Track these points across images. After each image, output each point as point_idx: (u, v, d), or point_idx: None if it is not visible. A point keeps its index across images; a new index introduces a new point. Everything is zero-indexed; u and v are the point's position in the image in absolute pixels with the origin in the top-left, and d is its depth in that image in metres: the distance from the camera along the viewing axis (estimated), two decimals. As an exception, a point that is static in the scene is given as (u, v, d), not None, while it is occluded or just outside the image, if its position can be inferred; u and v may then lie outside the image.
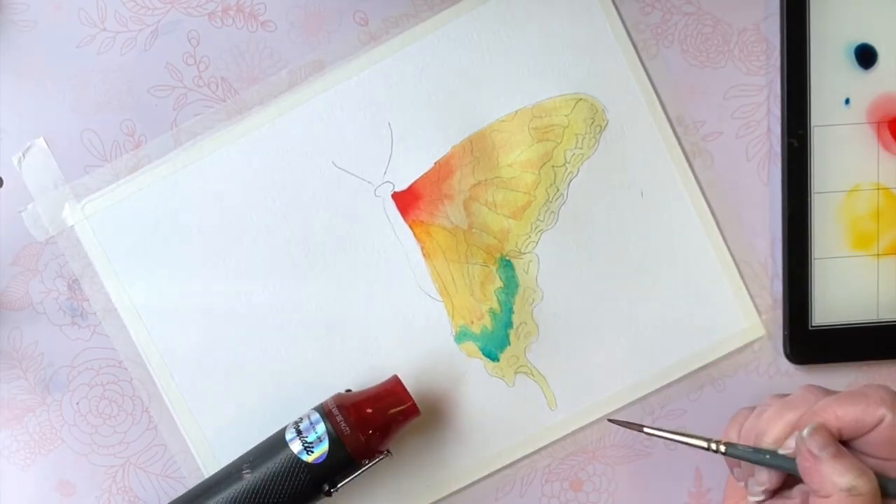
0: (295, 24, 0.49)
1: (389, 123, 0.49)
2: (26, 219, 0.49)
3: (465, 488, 0.49)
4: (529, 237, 0.49)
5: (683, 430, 0.43)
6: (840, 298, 0.49)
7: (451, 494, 0.49)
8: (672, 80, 0.49)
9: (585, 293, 0.49)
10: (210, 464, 0.49)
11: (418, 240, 0.49)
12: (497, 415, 0.49)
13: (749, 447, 0.42)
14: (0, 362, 0.48)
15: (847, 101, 0.48)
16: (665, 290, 0.49)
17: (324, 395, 0.47)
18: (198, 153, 0.49)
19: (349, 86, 0.49)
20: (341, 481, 0.45)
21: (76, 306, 0.49)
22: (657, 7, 0.49)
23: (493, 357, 0.49)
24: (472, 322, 0.49)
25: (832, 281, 0.49)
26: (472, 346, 0.49)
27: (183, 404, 0.49)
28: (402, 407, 0.46)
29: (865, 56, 0.48)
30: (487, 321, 0.49)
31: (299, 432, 0.45)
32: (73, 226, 0.49)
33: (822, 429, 0.39)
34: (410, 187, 0.49)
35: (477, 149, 0.49)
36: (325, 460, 0.44)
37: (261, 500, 0.44)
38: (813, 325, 0.48)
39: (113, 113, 0.49)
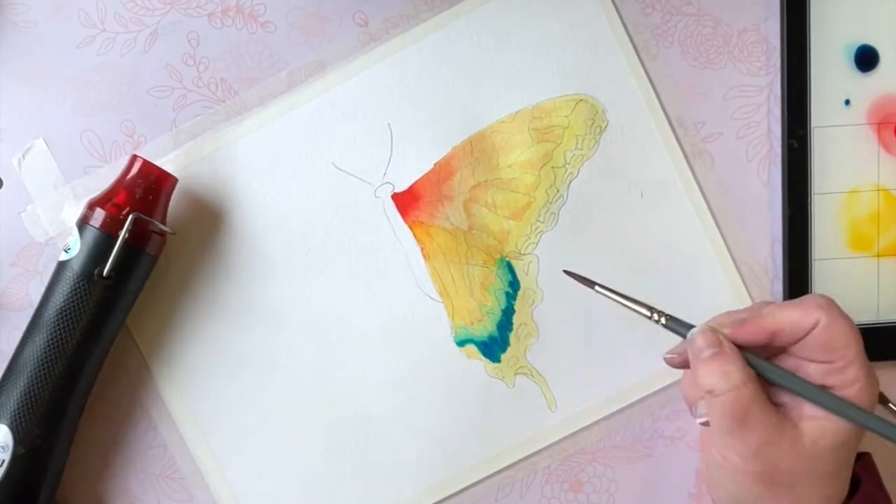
0: (295, 24, 0.49)
1: (389, 124, 0.49)
2: (26, 219, 0.49)
3: (465, 489, 0.49)
4: (529, 238, 0.49)
5: (632, 297, 0.44)
6: (840, 299, 0.48)
7: (451, 495, 0.49)
8: (672, 80, 0.49)
9: (585, 294, 0.49)
10: (210, 464, 0.49)
11: (418, 241, 0.49)
12: (497, 416, 0.49)
13: (687, 322, 0.42)
14: (0, 363, 0.48)
15: (847, 102, 0.48)
16: (665, 290, 0.49)
17: (323, 393, 0.47)
18: (197, 154, 0.49)
19: (349, 86, 0.49)
20: (107, 260, 0.44)
21: (76, 307, 0.49)
22: (657, 8, 0.49)
23: (493, 358, 0.49)
24: (472, 323, 0.49)
25: (832, 282, 0.48)
26: (472, 347, 0.49)
27: (183, 405, 0.49)
28: (146, 178, 0.46)
29: (866, 58, 0.48)
30: (487, 322, 0.49)
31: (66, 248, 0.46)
32: (72, 226, 0.49)
33: (707, 331, 0.41)
34: (410, 188, 0.49)
35: (477, 150, 0.49)
36: (81, 250, 0.45)
37: (55, 322, 0.45)
38: (813, 325, 0.48)
39: (113, 113, 0.49)
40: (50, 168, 0.49)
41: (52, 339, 0.45)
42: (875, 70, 0.48)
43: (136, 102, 0.49)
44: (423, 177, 0.49)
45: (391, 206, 0.49)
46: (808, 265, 0.48)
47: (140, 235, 0.45)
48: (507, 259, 0.49)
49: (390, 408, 0.49)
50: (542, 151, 0.49)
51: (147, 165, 0.46)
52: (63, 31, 0.49)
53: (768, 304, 0.43)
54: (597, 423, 0.49)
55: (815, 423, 0.40)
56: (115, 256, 0.44)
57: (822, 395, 0.40)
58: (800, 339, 0.40)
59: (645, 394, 0.49)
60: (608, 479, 0.49)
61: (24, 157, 0.49)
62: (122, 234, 0.44)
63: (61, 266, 0.45)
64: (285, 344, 0.49)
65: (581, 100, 0.49)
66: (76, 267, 0.45)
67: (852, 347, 0.40)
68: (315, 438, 0.49)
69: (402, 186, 0.49)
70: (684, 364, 0.43)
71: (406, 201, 0.49)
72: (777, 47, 0.49)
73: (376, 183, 0.49)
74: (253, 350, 0.49)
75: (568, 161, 0.49)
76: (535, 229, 0.49)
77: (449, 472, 0.49)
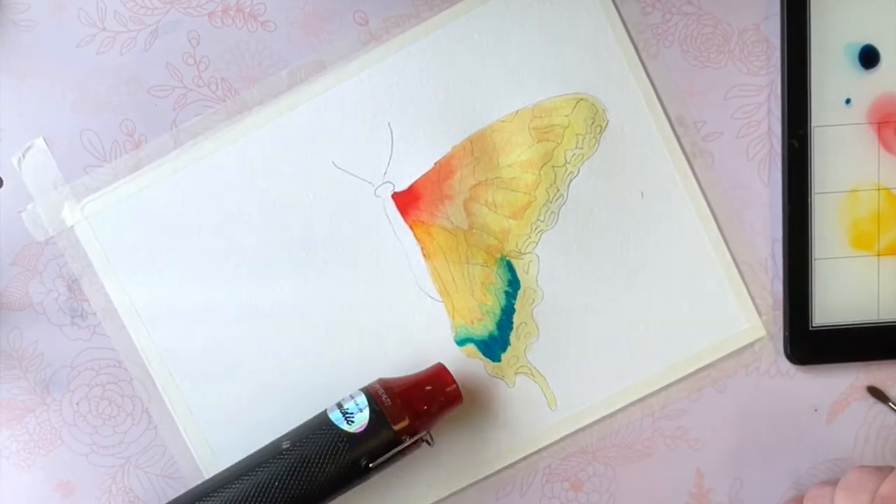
0: (295, 24, 0.49)
1: (389, 123, 0.49)
2: (26, 219, 0.49)
3: (465, 488, 0.49)
4: (530, 237, 0.49)
5: None
6: (841, 299, 0.49)
7: (451, 494, 0.49)
8: (672, 80, 0.49)
9: (585, 293, 0.49)
10: (209, 464, 0.49)
11: (418, 240, 0.49)
12: (497, 415, 0.49)
13: None
14: (0, 362, 0.48)
15: (848, 101, 0.48)
16: (665, 290, 0.49)
17: (323, 395, 0.47)
18: (198, 153, 0.49)
19: (349, 86, 0.49)
20: (380, 457, 0.44)
21: (76, 307, 0.49)
22: (658, 7, 0.49)
23: (493, 357, 0.49)
24: (473, 322, 0.49)
25: (833, 281, 0.48)
26: (472, 347, 0.49)
27: (183, 404, 0.49)
28: (445, 389, 0.46)
29: (868, 57, 0.48)
30: (487, 321, 0.49)
31: (339, 405, 0.45)
32: (72, 226, 0.49)
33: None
34: (411, 187, 0.49)
35: (477, 149, 0.49)
36: (365, 430, 0.44)
37: (299, 474, 0.44)
38: (814, 325, 0.48)
39: (113, 113, 0.49)
40: (50, 168, 0.49)
41: (284, 483, 0.44)
42: (875, 69, 0.48)
43: (136, 102, 0.49)
44: (423, 176, 0.49)
45: (391, 206, 0.49)
46: (808, 264, 0.48)
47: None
48: (508, 258, 0.49)
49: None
50: (543, 151, 0.49)
51: (455, 392, 0.46)
52: (63, 30, 0.49)
53: (869, 469, 0.43)
54: (597, 422, 0.49)
55: None
56: (386, 458, 0.44)
57: None
58: None
59: (645, 393, 0.49)
60: (608, 478, 0.49)
61: (24, 156, 0.49)
62: (407, 443, 0.45)
63: (338, 431, 0.44)
64: (286, 344, 0.49)
65: (581, 99, 0.49)
66: (353, 445, 0.44)
67: None
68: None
69: (402, 186, 0.49)
70: None
71: (406, 201, 0.49)
72: (777, 46, 0.49)
73: (376, 182, 0.49)
74: (253, 350, 0.49)
75: (568, 160, 0.49)
76: (536, 228, 0.49)
77: (449, 471, 0.49)
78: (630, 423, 0.49)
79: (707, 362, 0.49)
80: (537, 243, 0.49)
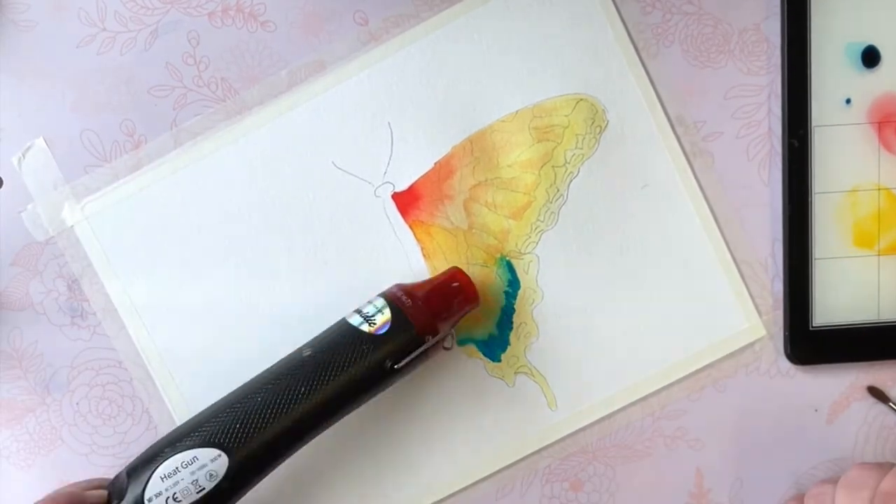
0: (295, 24, 0.49)
1: (389, 123, 0.49)
2: (26, 219, 0.49)
3: (465, 488, 0.49)
4: (529, 237, 0.49)
5: None
6: (841, 299, 0.49)
7: (451, 494, 0.49)
8: (672, 80, 0.49)
9: (585, 293, 0.49)
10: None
11: (418, 240, 0.49)
12: (497, 415, 0.49)
13: None
14: (0, 362, 0.48)
15: (848, 101, 0.48)
16: (665, 290, 0.49)
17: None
18: (198, 153, 0.49)
19: (349, 86, 0.49)
20: (404, 358, 0.44)
21: (76, 306, 0.49)
22: (658, 7, 0.49)
23: (493, 357, 0.49)
24: (472, 322, 0.49)
25: (833, 281, 0.48)
26: (472, 347, 0.49)
27: (183, 404, 0.49)
28: (462, 289, 0.46)
29: (870, 57, 0.48)
30: (487, 321, 0.49)
31: (358, 311, 0.45)
32: (72, 226, 0.49)
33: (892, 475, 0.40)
34: (411, 187, 0.49)
35: (477, 149, 0.49)
36: (387, 332, 0.44)
37: (323, 378, 0.43)
38: (814, 325, 0.48)
39: (113, 113, 0.49)
40: (50, 168, 0.49)
41: (309, 388, 0.43)
42: (876, 69, 0.48)
43: (136, 102, 0.49)
44: (423, 176, 0.49)
45: (391, 206, 0.49)
46: (808, 264, 0.48)
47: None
48: (508, 258, 0.49)
49: (390, 407, 0.49)
50: (543, 151, 0.49)
51: (473, 291, 0.46)
52: (63, 30, 0.49)
53: (869, 465, 0.43)
54: (597, 422, 0.49)
55: None
56: (412, 358, 0.44)
57: None
58: None
59: (645, 393, 0.49)
60: (608, 478, 0.49)
61: (24, 156, 0.49)
62: (430, 342, 0.44)
63: (359, 333, 0.44)
64: (286, 344, 0.49)
65: (581, 99, 0.49)
66: (376, 345, 0.43)
67: None
68: (315, 439, 0.49)
69: (402, 186, 0.49)
70: None
71: (406, 201, 0.49)
72: (777, 46, 0.49)
73: (376, 182, 0.49)
74: (253, 350, 0.49)
75: (568, 160, 0.49)
76: (536, 228, 0.49)
77: (449, 471, 0.49)
78: (630, 423, 0.49)
79: (707, 362, 0.49)
80: (537, 243, 0.49)
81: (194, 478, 0.41)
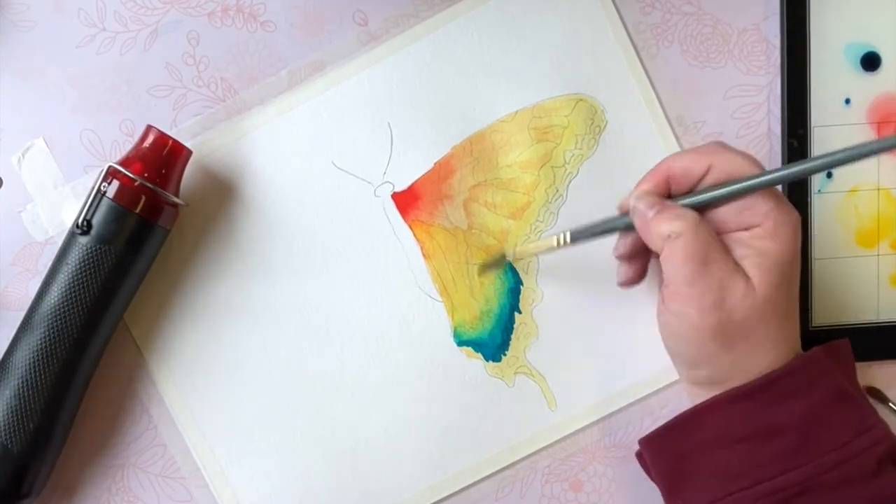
0: (295, 24, 0.49)
1: (389, 123, 0.49)
2: (26, 219, 0.49)
3: (465, 488, 0.49)
4: (529, 237, 0.49)
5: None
6: (840, 299, 0.49)
7: (451, 494, 0.49)
8: (672, 80, 0.49)
9: (585, 293, 0.49)
10: (210, 464, 0.49)
11: (418, 240, 0.49)
12: (497, 415, 0.49)
13: (589, 224, 0.45)
14: None
15: (847, 102, 0.48)
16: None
17: (322, 391, 0.47)
18: (197, 153, 0.49)
19: (349, 86, 0.49)
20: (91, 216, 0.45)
21: (76, 306, 0.49)
22: (657, 7, 0.49)
23: (492, 357, 0.49)
24: (472, 322, 0.49)
25: (832, 281, 0.48)
26: (471, 347, 0.49)
27: (183, 404, 0.49)
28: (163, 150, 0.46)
29: (870, 62, 0.48)
30: (487, 322, 0.49)
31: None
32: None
33: (644, 193, 0.42)
34: (410, 187, 0.49)
35: (477, 149, 0.49)
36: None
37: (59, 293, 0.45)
38: (814, 325, 0.48)
39: (113, 113, 0.49)
40: (50, 168, 0.49)
41: (57, 313, 0.44)
42: (876, 69, 0.48)
43: (136, 102, 0.49)
44: (422, 176, 0.49)
45: (391, 206, 0.49)
46: (808, 264, 0.48)
47: (153, 208, 0.45)
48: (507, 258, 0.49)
49: (390, 407, 0.49)
50: (542, 151, 0.49)
51: (162, 137, 0.45)
52: (63, 30, 0.49)
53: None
54: (597, 422, 0.49)
55: (756, 261, 0.41)
56: (128, 230, 0.44)
57: (749, 182, 0.40)
58: (693, 184, 0.42)
59: (645, 393, 0.49)
60: (608, 478, 0.49)
61: (23, 156, 0.49)
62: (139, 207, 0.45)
63: (72, 236, 0.45)
64: (285, 343, 0.49)
65: (581, 99, 0.49)
66: (88, 237, 0.44)
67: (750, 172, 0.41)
68: (316, 438, 0.49)
69: (401, 186, 0.49)
70: (634, 247, 0.44)
71: (406, 201, 0.49)
72: (777, 46, 0.49)
73: (376, 182, 0.49)
74: (252, 349, 0.49)
75: (567, 161, 0.49)
76: (535, 229, 0.49)
77: (449, 471, 0.49)
78: (630, 423, 0.49)
79: (707, 362, 0.49)
80: (537, 243, 0.49)
81: None
